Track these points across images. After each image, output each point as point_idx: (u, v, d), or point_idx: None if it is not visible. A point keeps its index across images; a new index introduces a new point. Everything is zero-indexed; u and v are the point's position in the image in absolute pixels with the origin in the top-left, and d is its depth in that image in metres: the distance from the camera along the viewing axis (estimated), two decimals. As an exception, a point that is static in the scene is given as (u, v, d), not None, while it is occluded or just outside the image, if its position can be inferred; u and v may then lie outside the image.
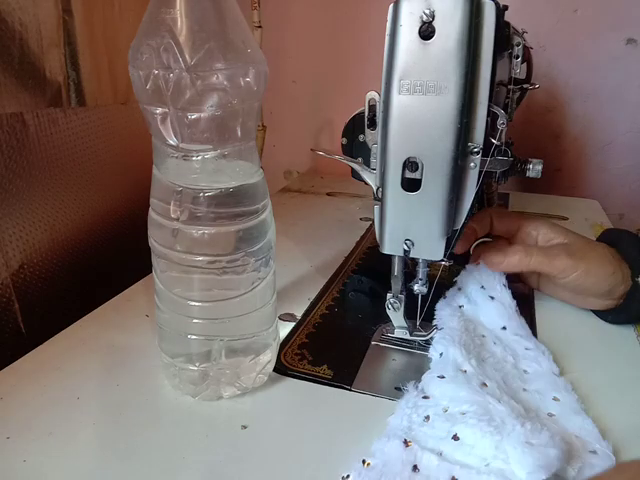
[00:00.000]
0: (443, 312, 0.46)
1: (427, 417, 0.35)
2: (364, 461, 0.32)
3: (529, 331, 0.45)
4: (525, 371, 0.41)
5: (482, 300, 0.47)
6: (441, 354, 0.41)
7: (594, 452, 0.33)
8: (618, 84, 0.88)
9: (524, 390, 0.39)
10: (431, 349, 0.42)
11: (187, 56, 0.30)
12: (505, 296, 0.47)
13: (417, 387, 0.38)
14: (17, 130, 0.53)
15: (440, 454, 0.32)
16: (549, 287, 0.50)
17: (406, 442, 0.33)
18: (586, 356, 0.44)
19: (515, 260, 0.45)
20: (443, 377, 0.38)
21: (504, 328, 0.45)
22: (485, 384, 0.37)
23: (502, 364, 0.41)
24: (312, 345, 0.45)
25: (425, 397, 0.37)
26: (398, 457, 0.32)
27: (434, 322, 0.45)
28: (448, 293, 0.49)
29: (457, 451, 0.32)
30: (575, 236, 0.48)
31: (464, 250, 0.48)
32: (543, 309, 0.51)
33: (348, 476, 0.31)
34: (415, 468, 0.32)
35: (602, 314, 0.49)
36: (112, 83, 0.68)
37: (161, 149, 0.34)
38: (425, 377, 0.39)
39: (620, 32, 0.85)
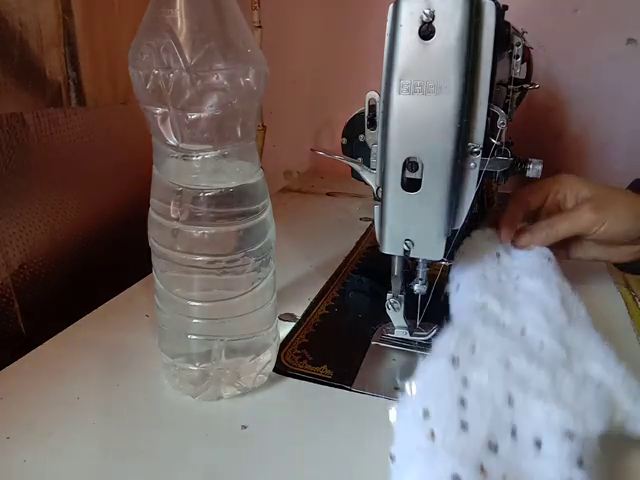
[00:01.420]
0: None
1: (473, 347, 0.33)
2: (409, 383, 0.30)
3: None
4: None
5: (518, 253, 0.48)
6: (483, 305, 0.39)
7: None
8: (618, 84, 0.88)
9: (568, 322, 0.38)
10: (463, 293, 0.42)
11: (187, 56, 0.30)
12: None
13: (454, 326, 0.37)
14: (17, 130, 0.53)
15: (491, 373, 0.31)
16: (579, 249, 0.49)
17: (454, 360, 0.31)
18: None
19: (543, 236, 0.46)
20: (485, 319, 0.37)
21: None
22: (524, 331, 0.36)
23: (543, 295, 0.41)
24: (312, 345, 0.45)
25: (467, 332, 0.35)
26: (446, 375, 0.30)
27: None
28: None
29: (510, 372, 0.31)
30: (600, 187, 0.48)
31: (510, 237, 0.48)
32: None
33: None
34: (465, 382, 0.30)
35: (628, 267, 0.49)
36: (112, 83, 0.68)
37: (161, 149, 0.34)
38: (463, 318, 0.38)
39: (620, 32, 0.85)
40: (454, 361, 0.31)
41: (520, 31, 0.45)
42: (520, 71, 0.44)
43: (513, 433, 0.28)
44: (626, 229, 0.45)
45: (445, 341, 0.34)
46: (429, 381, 0.30)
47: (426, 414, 0.28)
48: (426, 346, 0.44)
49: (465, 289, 0.43)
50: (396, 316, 0.44)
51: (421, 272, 0.42)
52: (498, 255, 0.47)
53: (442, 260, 0.40)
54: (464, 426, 0.28)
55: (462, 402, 0.29)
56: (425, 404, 0.28)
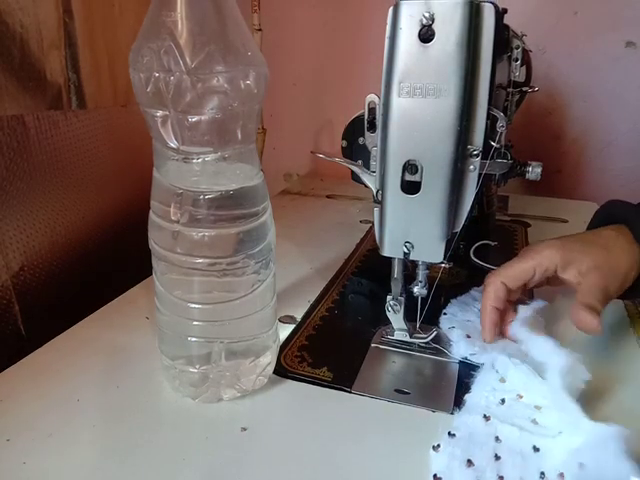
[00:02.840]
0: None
1: (503, 400, 0.37)
2: (450, 432, 0.34)
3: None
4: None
5: None
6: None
7: None
8: (618, 86, 0.88)
9: None
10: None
11: (188, 59, 0.30)
12: None
13: (493, 366, 0.40)
14: (18, 132, 0.53)
15: (520, 428, 0.35)
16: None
17: (486, 417, 0.36)
18: (586, 358, 0.44)
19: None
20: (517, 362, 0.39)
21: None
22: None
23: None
24: (312, 347, 0.45)
25: (502, 380, 0.39)
26: (481, 430, 0.35)
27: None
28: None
29: (535, 427, 0.35)
30: (593, 254, 0.43)
31: (493, 337, 0.43)
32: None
33: (438, 445, 0.34)
34: (497, 439, 0.34)
35: None
36: (112, 85, 0.68)
37: (161, 151, 0.34)
38: (500, 357, 0.40)
39: (619, 34, 0.85)
40: (485, 417, 0.36)
41: (519, 34, 0.45)
42: (519, 74, 0.44)
43: (542, 476, 0.32)
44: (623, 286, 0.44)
45: (476, 395, 0.38)
46: (469, 433, 0.35)
47: (470, 463, 0.32)
48: (426, 348, 0.45)
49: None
50: (396, 318, 0.44)
51: (421, 274, 0.42)
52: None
53: (442, 262, 0.40)
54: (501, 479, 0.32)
55: (497, 457, 0.33)
56: (468, 455, 0.33)
